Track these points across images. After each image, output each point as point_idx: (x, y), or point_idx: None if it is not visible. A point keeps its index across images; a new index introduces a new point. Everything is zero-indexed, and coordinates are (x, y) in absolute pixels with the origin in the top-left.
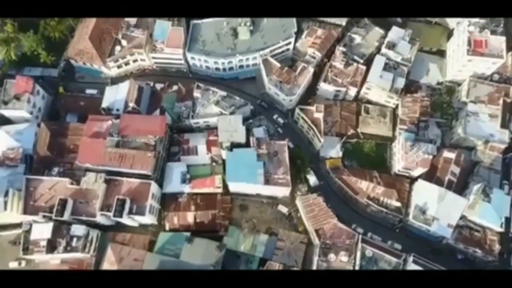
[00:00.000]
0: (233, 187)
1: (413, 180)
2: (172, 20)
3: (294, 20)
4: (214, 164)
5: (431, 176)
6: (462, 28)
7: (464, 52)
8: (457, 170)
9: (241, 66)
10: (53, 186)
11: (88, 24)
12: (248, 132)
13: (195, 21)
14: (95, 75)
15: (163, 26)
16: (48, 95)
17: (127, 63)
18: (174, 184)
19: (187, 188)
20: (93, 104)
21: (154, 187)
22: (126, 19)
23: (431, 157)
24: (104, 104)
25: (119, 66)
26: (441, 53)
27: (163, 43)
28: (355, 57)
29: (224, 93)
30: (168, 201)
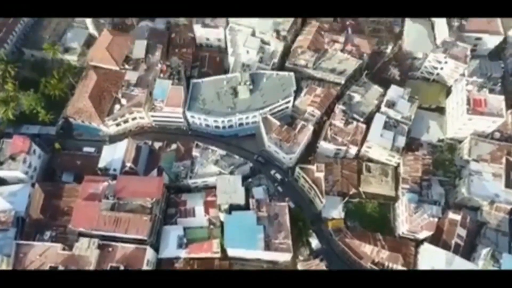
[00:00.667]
0: (232, 252)
1: (418, 242)
2: (173, 79)
3: (293, 78)
4: (212, 226)
5: (437, 239)
6: (460, 86)
7: (464, 111)
8: (463, 232)
9: (240, 124)
10: (44, 252)
11: (89, 83)
12: (248, 192)
13: (195, 80)
14: (93, 133)
15: (163, 85)
16: (45, 154)
17: (126, 121)
18: (170, 249)
19: (183, 253)
20: (90, 162)
21: (149, 253)
22: (126, 77)
23: (436, 219)
24: (101, 164)
25: (117, 124)
26: (441, 110)
27: (163, 101)
28: (355, 116)
29: (223, 152)
30: (164, 266)
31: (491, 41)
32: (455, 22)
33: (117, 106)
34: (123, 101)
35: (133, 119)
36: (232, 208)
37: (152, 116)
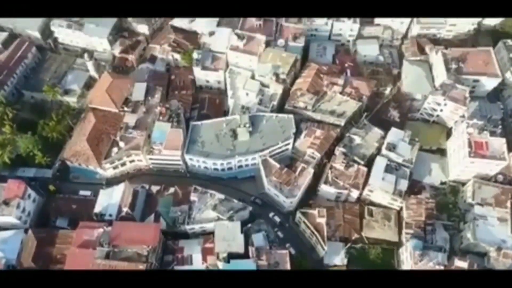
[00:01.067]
0: None
1: None
2: (172, 121)
3: (292, 121)
4: None
5: None
6: (461, 129)
7: (466, 154)
8: None
9: (240, 166)
10: None
11: (87, 125)
12: (247, 237)
13: (195, 123)
14: (90, 176)
15: (162, 128)
16: (40, 198)
17: (123, 164)
18: None
19: None
20: (86, 207)
21: None
22: (125, 120)
23: (442, 267)
24: (97, 209)
25: (115, 167)
26: (442, 152)
27: (161, 144)
28: (356, 158)
29: (222, 196)
30: None
31: (489, 83)
32: (453, 65)
33: (115, 149)
34: (121, 144)
35: (131, 161)
36: (231, 256)
37: (151, 159)
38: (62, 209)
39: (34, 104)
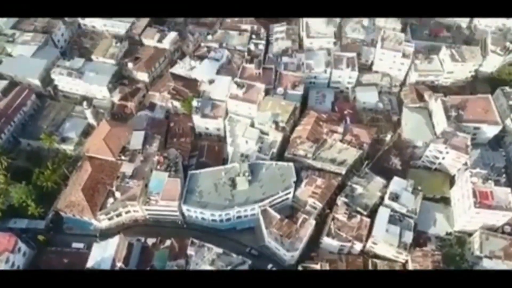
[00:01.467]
0: None
1: None
2: (169, 170)
3: (293, 169)
4: None
5: None
6: (465, 178)
7: (471, 204)
8: None
9: (239, 217)
10: None
11: (83, 174)
12: None
13: (193, 172)
14: (84, 227)
15: (159, 177)
16: (31, 250)
17: (119, 215)
18: None
19: None
20: (78, 260)
21: None
22: (122, 169)
23: None
24: (90, 264)
25: (110, 218)
26: (446, 200)
27: (158, 194)
28: (358, 209)
29: (220, 251)
30: None
31: (489, 131)
32: (453, 112)
33: (110, 200)
34: (117, 194)
35: (127, 212)
36: None
37: (147, 209)
38: (53, 263)
39: (30, 151)
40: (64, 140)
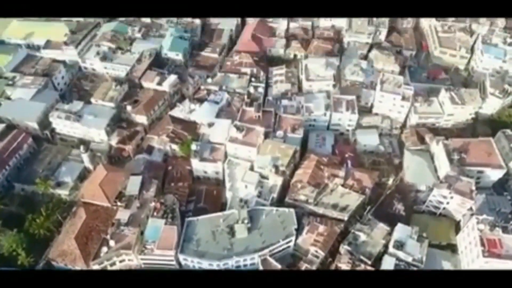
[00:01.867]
0: None
1: None
2: (166, 217)
3: (294, 215)
4: None
5: None
6: (471, 225)
7: (479, 253)
8: None
9: (238, 267)
10: None
11: (77, 221)
12: None
13: (190, 219)
14: None
15: (156, 225)
16: None
17: (112, 264)
18: None
19: None
20: None
21: None
22: (118, 216)
23: None
24: None
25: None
26: (452, 247)
27: (154, 243)
28: (362, 257)
29: None
30: None
31: (494, 174)
32: (455, 156)
33: (104, 249)
34: (112, 243)
35: (121, 261)
36: None
37: (142, 258)
38: None
39: (24, 197)
40: (59, 184)
